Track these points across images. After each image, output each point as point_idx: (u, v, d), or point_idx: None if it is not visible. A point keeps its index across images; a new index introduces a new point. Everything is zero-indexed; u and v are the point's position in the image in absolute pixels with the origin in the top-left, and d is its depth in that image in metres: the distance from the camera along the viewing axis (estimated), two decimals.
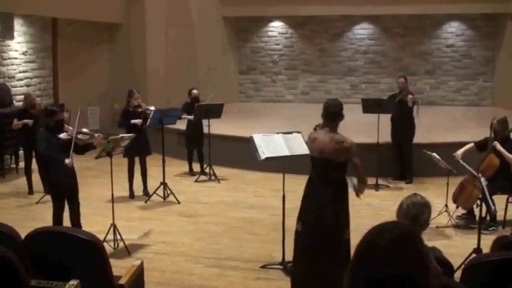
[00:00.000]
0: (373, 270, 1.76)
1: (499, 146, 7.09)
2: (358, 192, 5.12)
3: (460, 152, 7.43)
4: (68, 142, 6.29)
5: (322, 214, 5.02)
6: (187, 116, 9.91)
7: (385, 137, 9.51)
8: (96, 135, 6.62)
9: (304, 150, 5.59)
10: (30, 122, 8.69)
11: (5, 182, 9.87)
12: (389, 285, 1.73)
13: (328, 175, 5.06)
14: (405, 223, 3.21)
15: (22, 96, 11.16)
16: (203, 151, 10.23)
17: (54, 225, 6.24)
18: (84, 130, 6.73)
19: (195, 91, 10.27)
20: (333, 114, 5.10)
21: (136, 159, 8.78)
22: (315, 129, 5.36)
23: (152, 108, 8.82)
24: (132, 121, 8.53)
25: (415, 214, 3.50)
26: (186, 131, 10.32)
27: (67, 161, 6.23)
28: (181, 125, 10.25)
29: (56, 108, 6.51)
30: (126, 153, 7.90)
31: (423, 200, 3.59)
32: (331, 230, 5.01)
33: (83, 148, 6.55)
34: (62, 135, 6.31)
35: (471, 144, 7.60)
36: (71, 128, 6.45)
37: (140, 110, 8.70)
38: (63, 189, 6.42)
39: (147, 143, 8.77)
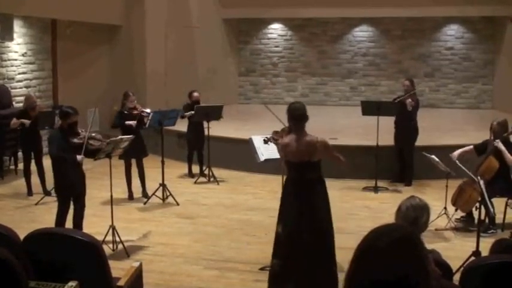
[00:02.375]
0: (373, 275, 1.75)
1: (500, 145, 7.07)
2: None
3: (456, 153, 7.43)
4: (79, 146, 6.34)
5: (302, 215, 5.11)
6: (187, 114, 9.89)
7: (385, 139, 9.51)
8: (108, 141, 6.60)
9: None
10: (27, 122, 8.68)
11: (4, 183, 9.86)
12: None
13: (305, 176, 5.15)
14: (404, 225, 3.22)
15: (21, 98, 11.16)
16: (203, 153, 10.23)
17: (56, 226, 6.25)
18: (93, 135, 6.71)
19: (195, 94, 10.25)
20: (299, 117, 5.16)
21: (133, 162, 8.77)
22: (276, 133, 5.45)
23: (148, 110, 8.79)
24: (127, 122, 8.50)
25: (414, 217, 3.50)
26: (187, 133, 10.32)
27: (79, 157, 6.25)
28: (181, 126, 10.26)
29: (70, 110, 6.47)
30: (122, 155, 7.89)
31: (422, 202, 3.60)
32: (313, 231, 5.10)
33: (93, 152, 6.55)
34: (74, 140, 6.33)
35: (470, 147, 7.60)
36: (84, 132, 6.45)
37: (135, 112, 8.67)
38: (71, 192, 6.44)
39: (143, 145, 8.75)
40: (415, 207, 3.54)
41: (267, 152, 5.76)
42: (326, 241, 5.17)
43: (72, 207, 6.56)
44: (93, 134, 6.67)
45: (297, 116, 5.16)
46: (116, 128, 8.69)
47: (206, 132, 10.00)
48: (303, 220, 5.12)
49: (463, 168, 6.63)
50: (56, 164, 6.44)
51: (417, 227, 3.48)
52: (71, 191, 6.44)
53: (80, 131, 6.48)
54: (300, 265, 5.10)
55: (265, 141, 5.73)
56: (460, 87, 16.18)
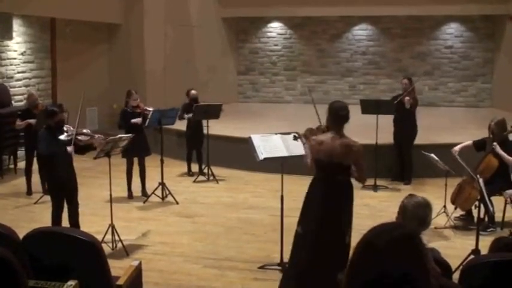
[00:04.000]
0: (372, 273, 1.75)
1: (498, 149, 7.08)
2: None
3: (457, 148, 7.44)
4: (67, 143, 6.30)
5: (328, 217, 4.99)
6: (187, 115, 9.91)
7: (384, 138, 9.52)
8: (96, 136, 6.60)
9: (302, 151, 5.58)
10: (33, 121, 8.68)
11: (3, 182, 9.85)
12: (386, 287, 1.72)
13: (335, 178, 5.01)
14: (404, 223, 3.22)
15: (21, 97, 11.17)
16: (202, 151, 10.22)
17: (53, 226, 6.24)
18: (84, 131, 6.71)
19: (193, 91, 10.27)
20: (342, 117, 5.03)
21: (135, 160, 8.78)
22: (311, 130, 5.33)
23: (151, 109, 8.81)
24: (133, 120, 8.53)
25: (423, 216, 3.50)
26: (186, 132, 10.32)
27: (69, 148, 6.22)
28: (180, 125, 10.25)
29: (56, 108, 6.47)
30: (124, 153, 7.89)
31: (425, 200, 3.60)
32: (334, 233, 4.98)
33: (83, 149, 6.53)
34: (62, 137, 6.31)
35: (469, 142, 7.61)
36: (71, 129, 6.43)
37: (139, 110, 8.71)
38: (62, 190, 6.42)
39: (145, 144, 8.76)
40: (421, 205, 3.53)
41: (267, 150, 5.74)
42: (344, 244, 5.02)
43: (66, 207, 6.54)
44: (83, 130, 6.65)
45: (341, 116, 5.01)
46: (122, 128, 8.68)
47: (205, 131, 10.01)
48: (326, 222, 4.98)
49: (463, 164, 6.62)
50: (46, 163, 6.43)
51: (425, 225, 3.49)
52: (62, 190, 6.41)
53: (66, 128, 6.44)
54: (313, 266, 5.02)
55: (295, 138, 5.62)
56: (460, 85, 16.17)
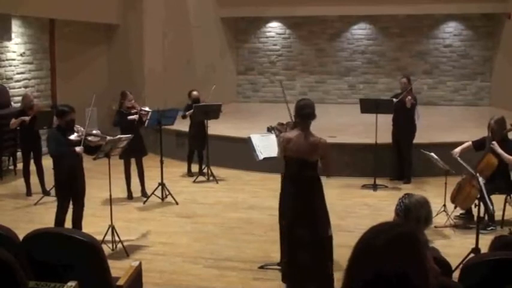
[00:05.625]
0: (371, 273, 1.75)
1: (497, 147, 7.08)
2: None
3: (457, 150, 7.44)
4: (77, 143, 6.32)
5: (299, 212, 5.12)
6: (187, 113, 9.91)
7: (383, 137, 9.51)
8: (107, 138, 6.59)
9: None
10: (26, 118, 8.68)
11: (2, 183, 9.85)
12: (385, 286, 1.73)
13: (301, 174, 5.15)
14: (403, 223, 3.22)
15: (20, 98, 11.14)
16: (203, 152, 10.21)
17: (56, 226, 6.25)
18: (95, 132, 6.71)
19: (195, 93, 10.27)
20: (307, 115, 5.14)
21: (133, 161, 8.77)
22: (281, 125, 5.41)
23: (147, 108, 8.80)
24: (129, 117, 8.52)
25: (426, 214, 3.51)
26: (189, 132, 10.31)
27: (78, 148, 6.24)
28: (180, 126, 10.25)
29: (67, 108, 6.48)
30: (121, 155, 7.88)
31: (423, 198, 3.60)
32: (309, 228, 5.10)
33: (93, 149, 6.54)
34: (72, 137, 6.32)
35: (469, 143, 7.61)
36: (81, 129, 6.44)
37: (134, 111, 8.68)
38: (69, 191, 6.43)
39: (142, 144, 8.74)
40: (423, 204, 3.53)
41: (266, 150, 5.75)
42: (323, 238, 5.15)
43: (71, 207, 6.56)
44: (93, 131, 6.66)
45: (305, 114, 5.12)
46: (116, 125, 8.68)
47: (208, 132, 9.99)
48: (301, 217, 5.12)
49: (465, 165, 6.63)
50: (56, 162, 6.44)
51: (428, 222, 3.51)
52: (70, 190, 6.43)
53: (76, 129, 6.46)
54: (303, 262, 5.11)
55: (269, 129, 5.70)
56: (459, 84, 16.19)
